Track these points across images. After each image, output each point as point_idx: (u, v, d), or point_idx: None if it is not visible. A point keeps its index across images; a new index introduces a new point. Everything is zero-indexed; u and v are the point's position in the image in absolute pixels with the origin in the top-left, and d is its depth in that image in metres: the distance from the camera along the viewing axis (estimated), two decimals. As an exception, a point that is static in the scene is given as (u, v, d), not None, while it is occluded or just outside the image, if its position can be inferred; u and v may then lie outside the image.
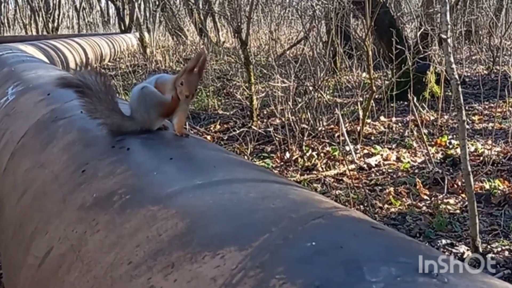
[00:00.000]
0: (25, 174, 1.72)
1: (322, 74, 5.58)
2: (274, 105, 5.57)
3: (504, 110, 5.78)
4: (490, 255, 2.83)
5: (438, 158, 4.45)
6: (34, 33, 25.87)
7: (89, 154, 1.49)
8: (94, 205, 1.21)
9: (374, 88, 5.16)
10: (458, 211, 3.42)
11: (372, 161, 4.41)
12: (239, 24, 6.02)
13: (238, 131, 5.34)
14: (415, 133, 4.99)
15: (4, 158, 2.05)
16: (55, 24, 27.47)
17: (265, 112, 6.23)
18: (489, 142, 4.56)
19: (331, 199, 1.21)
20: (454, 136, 4.90)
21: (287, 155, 4.61)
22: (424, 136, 4.35)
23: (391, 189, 3.76)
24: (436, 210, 3.41)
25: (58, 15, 28.49)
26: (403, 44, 5.84)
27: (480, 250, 2.74)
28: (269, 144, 5.06)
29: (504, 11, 11.26)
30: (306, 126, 5.04)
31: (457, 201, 3.58)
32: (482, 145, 4.68)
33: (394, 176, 4.11)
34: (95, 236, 1.11)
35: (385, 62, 6.86)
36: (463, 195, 3.54)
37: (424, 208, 3.50)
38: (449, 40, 2.59)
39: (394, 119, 5.69)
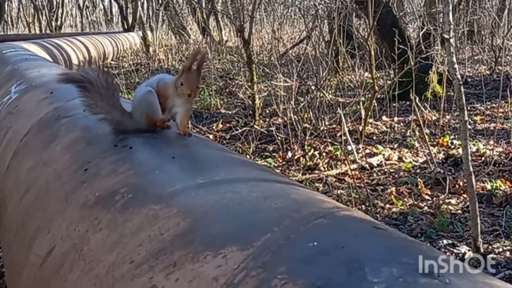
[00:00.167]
0: (28, 172, 1.72)
1: (324, 74, 5.58)
2: (276, 105, 5.57)
3: (506, 110, 5.77)
4: (491, 255, 2.82)
5: (440, 158, 4.44)
6: (38, 32, 25.88)
7: (92, 153, 1.49)
8: (96, 203, 1.22)
9: (376, 87, 5.16)
10: (459, 212, 3.42)
11: (374, 160, 4.41)
12: (242, 23, 6.02)
13: (240, 130, 5.34)
14: (417, 133, 4.98)
15: (7, 156, 2.06)
16: (58, 23, 27.52)
17: (267, 111, 6.23)
18: (491, 142, 4.56)
19: (333, 199, 1.21)
20: (456, 136, 4.89)
21: (289, 154, 4.61)
22: (426, 136, 4.35)
23: (393, 189, 3.75)
24: (438, 210, 3.41)
25: (62, 14, 28.56)
26: (405, 43, 5.84)
27: (482, 250, 2.74)
28: (271, 143, 5.06)
29: (506, 11, 11.25)
30: (308, 126, 5.04)
31: (458, 201, 3.57)
32: (484, 145, 4.67)
33: (396, 176, 4.11)
34: (97, 235, 1.11)
35: (388, 61, 6.85)
36: (465, 195, 3.53)
37: (425, 208, 3.50)
38: (451, 40, 2.59)
39: (396, 119, 5.69)
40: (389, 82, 6.47)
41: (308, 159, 4.49)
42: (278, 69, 5.93)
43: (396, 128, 5.44)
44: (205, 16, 15.11)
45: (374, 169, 4.29)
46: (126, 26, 21.10)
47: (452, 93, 6.18)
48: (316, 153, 4.60)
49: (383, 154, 4.56)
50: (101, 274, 1.00)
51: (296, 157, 4.55)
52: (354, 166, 4.15)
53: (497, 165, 4.12)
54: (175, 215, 1.00)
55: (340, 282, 0.69)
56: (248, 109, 6.29)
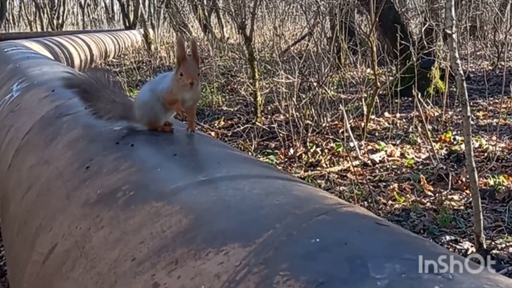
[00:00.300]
0: (30, 170, 1.72)
1: (326, 70, 5.57)
2: (278, 101, 5.57)
3: (509, 106, 5.75)
4: (494, 251, 2.82)
5: (443, 154, 4.44)
6: (39, 30, 25.88)
7: (93, 150, 1.49)
8: (98, 201, 1.22)
9: (378, 84, 5.15)
10: (462, 207, 3.42)
11: (376, 157, 4.40)
12: (244, 20, 6.01)
13: (242, 127, 5.34)
14: (419, 129, 4.97)
15: (9, 154, 2.06)
16: (60, 21, 27.51)
17: (269, 108, 6.23)
18: (494, 138, 4.55)
19: (335, 196, 1.20)
20: (459, 132, 4.88)
21: (291, 151, 4.61)
22: (429, 132, 4.34)
23: (395, 185, 3.75)
24: (440, 206, 3.40)
25: (63, 12, 28.55)
26: (407, 39, 5.82)
27: (484, 246, 2.73)
28: (273, 140, 5.06)
29: (509, 6, 11.19)
30: (310, 122, 5.03)
31: (461, 197, 3.57)
32: (486, 141, 4.66)
33: (398, 172, 4.11)
34: (99, 233, 1.11)
35: (390, 57, 6.83)
36: (467, 191, 3.53)
37: (428, 204, 3.49)
38: (454, 36, 2.58)
39: (398, 115, 5.68)
40: (391, 78, 6.46)
41: (310, 156, 4.48)
42: (280, 66, 5.92)
43: (398, 124, 5.43)
44: (206, 13, 15.09)
45: (377, 165, 4.28)
46: (127, 24, 21.08)
47: (454, 89, 6.15)
48: (318, 149, 4.59)
49: (385, 151, 4.56)
50: (103, 271, 1.00)
51: (298, 154, 4.54)
52: (356, 162, 4.14)
53: (499, 160, 4.12)
54: (177, 212, 1.00)
55: (342, 279, 0.69)
56: (250, 106, 6.29)
